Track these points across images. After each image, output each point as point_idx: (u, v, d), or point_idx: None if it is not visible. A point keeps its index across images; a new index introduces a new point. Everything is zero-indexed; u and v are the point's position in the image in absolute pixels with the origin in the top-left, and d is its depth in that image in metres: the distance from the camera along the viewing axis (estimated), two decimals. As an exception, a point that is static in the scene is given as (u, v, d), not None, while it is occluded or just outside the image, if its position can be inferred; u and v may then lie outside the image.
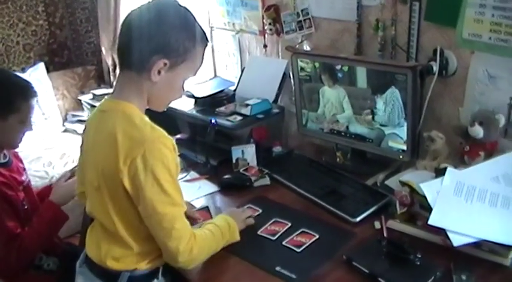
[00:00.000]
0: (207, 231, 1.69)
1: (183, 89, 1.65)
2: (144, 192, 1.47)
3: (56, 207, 2.07)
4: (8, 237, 1.93)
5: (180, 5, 1.56)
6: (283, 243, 1.80)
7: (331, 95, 2.36)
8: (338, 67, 2.27)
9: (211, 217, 2.01)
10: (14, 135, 2.01)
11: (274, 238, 1.84)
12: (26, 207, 2.05)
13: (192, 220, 1.85)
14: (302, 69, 2.43)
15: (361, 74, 2.21)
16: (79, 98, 4.08)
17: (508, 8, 1.83)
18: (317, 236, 1.82)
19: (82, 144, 1.72)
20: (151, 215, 1.51)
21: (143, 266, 1.62)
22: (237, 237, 1.78)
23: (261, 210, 2.02)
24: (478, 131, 1.92)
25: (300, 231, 1.86)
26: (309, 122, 2.53)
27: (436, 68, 2.08)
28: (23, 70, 3.92)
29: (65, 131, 3.99)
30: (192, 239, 1.57)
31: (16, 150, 2.14)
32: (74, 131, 3.87)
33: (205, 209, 2.09)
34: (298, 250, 1.76)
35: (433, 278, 1.53)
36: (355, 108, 2.30)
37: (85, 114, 3.98)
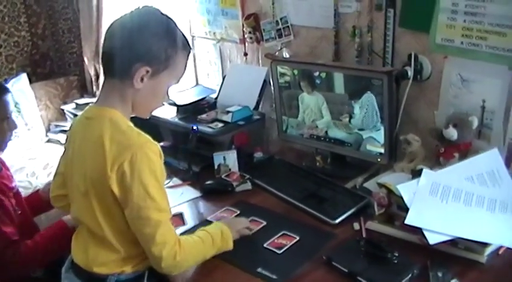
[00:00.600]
0: (196, 238, 1.68)
1: (168, 96, 1.67)
2: (130, 196, 1.49)
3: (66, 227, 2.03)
4: (5, 244, 1.92)
5: (162, 14, 1.58)
6: (265, 245, 1.83)
7: (310, 102, 2.40)
8: (316, 74, 2.32)
9: (184, 223, 2.04)
10: None
11: (256, 241, 1.86)
12: (19, 212, 2.05)
13: None
14: (281, 76, 2.47)
15: (339, 80, 2.25)
16: (62, 107, 4.07)
17: (478, 13, 1.89)
18: (297, 238, 1.85)
19: (66, 150, 1.72)
20: (136, 219, 1.52)
21: (129, 270, 1.63)
22: (230, 246, 1.76)
23: (239, 211, 2.07)
24: (452, 133, 1.97)
25: (280, 233, 1.88)
26: (289, 128, 2.57)
27: (411, 73, 2.12)
28: (6, 81, 3.88)
29: (48, 141, 3.96)
30: (177, 245, 1.56)
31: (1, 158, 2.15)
32: (58, 142, 3.84)
33: (179, 215, 2.11)
34: (279, 252, 1.78)
35: (410, 275, 1.56)
36: (333, 113, 2.34)
37: (68, 125, 3.94)
